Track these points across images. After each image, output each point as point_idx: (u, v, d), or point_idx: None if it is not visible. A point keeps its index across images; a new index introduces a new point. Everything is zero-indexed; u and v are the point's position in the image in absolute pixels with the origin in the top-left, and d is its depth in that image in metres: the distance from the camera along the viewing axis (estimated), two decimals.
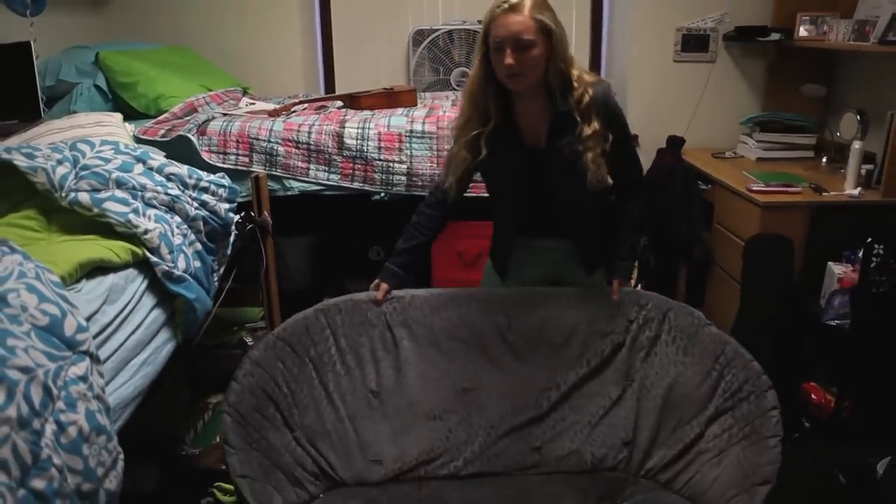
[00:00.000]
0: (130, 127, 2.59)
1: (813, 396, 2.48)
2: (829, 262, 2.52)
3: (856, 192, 2.61)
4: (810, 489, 2.15)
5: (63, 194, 1.65)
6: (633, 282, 1.97)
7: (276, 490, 1.63)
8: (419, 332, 1.91)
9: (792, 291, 2.60)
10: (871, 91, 3.07)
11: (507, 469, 1.84)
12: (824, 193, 2.64)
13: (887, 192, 2.54)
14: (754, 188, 2.71)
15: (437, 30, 3.61)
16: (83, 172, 1.72)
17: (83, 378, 1.23)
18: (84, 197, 1.66)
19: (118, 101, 2.92)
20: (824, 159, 3.12)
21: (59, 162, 1.71)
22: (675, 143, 3.34)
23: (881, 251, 2.20)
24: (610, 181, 1.78)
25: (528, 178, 1.87)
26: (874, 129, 2.76)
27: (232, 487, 2.01)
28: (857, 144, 2.65)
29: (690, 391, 1.78)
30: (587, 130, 1.75)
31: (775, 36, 3.30)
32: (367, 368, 1.88)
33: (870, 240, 2.19)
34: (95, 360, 1.31)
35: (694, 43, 3.53)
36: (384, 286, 1.94)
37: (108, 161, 1.80)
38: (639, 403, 1.84)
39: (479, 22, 3.57)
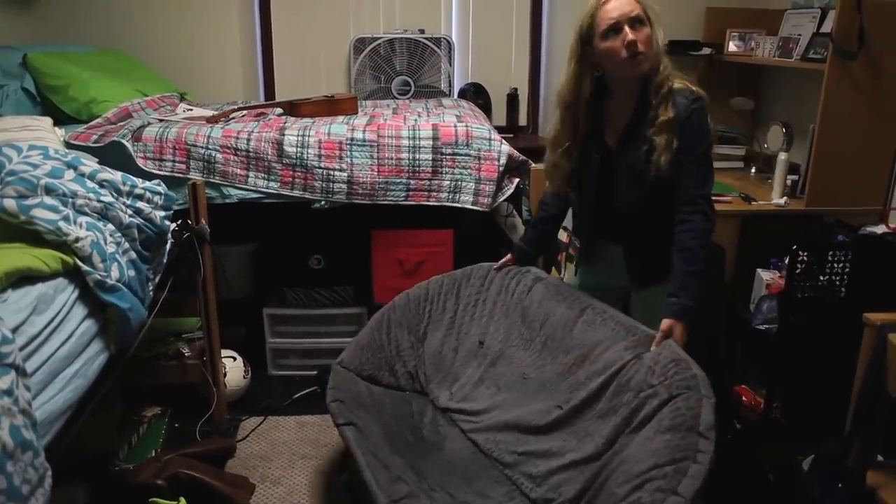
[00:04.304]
0: (61, 132, 2.51)
1: (744, 398, 2.56)
2: (758, 269, 2.61)
3: (782, 201, 2.72)
4: (741, 487, 2.23)
5: None
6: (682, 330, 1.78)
7: (364, 360, 2.18)
8: (528, 314, 2.14)
9: (724, 297, 2.69)
10: (795, 105, 3.21)
11: (489, 452, 1.94)
12: (753, 203, 2.75)
13: (811, 201, 2.66)
14: None
15: (378, 38, 3.62)
16: (9, 178, 1.66)
17: (7, 392, 1.18)
18: (10, 203, 1.60)
19: (47, 104, 2.82)
20: (753, 170, 3.25)
21: None
22: None
23: (805, 258, 2.29)
24: (669, 170, 1.76)
25: (600, 178, 1.92)
26: (798, 141, 2.88)
27: (167, 503, 1.96)
28: (782, 156, 2.77)
29: (616, 485, 1.58)
30: (662, 116, 1.73)
31: (706, 50, 3.42)
32: (489, 323, 2.22)
33: (795, 247, 2.28)
34: (21, 372, 1.26)
35: None
36: (509, 257, 2.26)
37: (36, 166, 1.74)
38: (600, 471, 1.68)
39: (421, 31, 3.64)
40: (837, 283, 2.32)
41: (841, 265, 2.30)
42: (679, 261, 1.78)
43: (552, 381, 1.96)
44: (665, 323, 1.76)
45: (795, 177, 2.82)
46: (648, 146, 1.77)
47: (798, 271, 2.30)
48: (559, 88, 1.89)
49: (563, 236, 3.03)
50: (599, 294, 2.07)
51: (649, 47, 1.72)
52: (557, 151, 1.92)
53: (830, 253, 2.30)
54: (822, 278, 2.32)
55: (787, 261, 2.35)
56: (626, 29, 1.69)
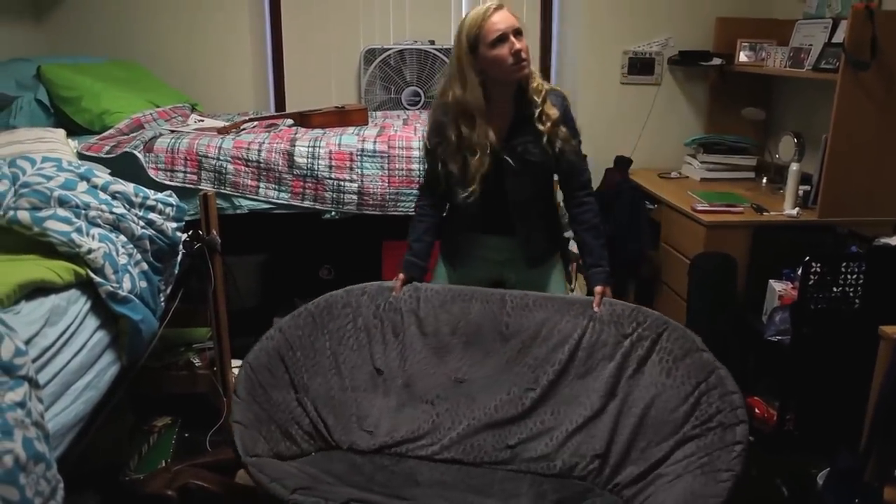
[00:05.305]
0: (74, 143, 2.53)
1: (756, 410, 2.54)
2: (770, 280, 2.60)
3: (794, 212, 2.70)
4: (755, 502, 2.20)
5: (1, 213, 1.60)
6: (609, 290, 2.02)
7: (264, 439, 1.79)
8: (427, 323, 2.07)
9: (735, 308, 2.67)
10: (807, 115, 3.20)
11: (478, 460, 1.90)
12: (765, 213, 2.73)
13: (823, 212, 2.64)
14: (699, 208, 2.78)
15: (388, 49, 3.63)
16: (23, 190, 1.67)
17: (21, 404, 1.19)
18: (24, 215, 1.61)
19: (60, 116, 2.84)
20: (764, 180, 3.23)
21: None
22: (623, 163, 3.42)
23: (818, 269, 2.28)
24: (583, 153, 2.03)
25: (489, 175, 1.99)
26: (810, 152, 2.87)
27: None
28: (794, 166, 2.75)
29: (667, 414, 1.76)
30: (551, 113, 1.94)
31: (717, 61, 3.42)
32: (375, 348, 2.06)
33: (808, 258, 2.27)
34: (34, 384, 1.26)
35: (640, 66, 3.63)
36: (402, 277, 2.12)
37: (50, 178, 1.75)
38: (617, 419, 1.83)
39: (431, 42, 3.65)
40: (851, 294, 2.30)
41: (855, 276, 2.29)
42: (590, 237, 2.07)
43: (502, 370, 1.98)
44: (598, 289, 2.00)
45: (807, 187, 2.80)
46: (534, 139, 1.96)
47: (811, 282, 2.29)
48: (467, 100, 1.93)
49: (573, 247, 3.02)
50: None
51: (529, 55, 1.91)
52: (485, 153, 1.97)
53: (844, 264, 2.29)
54: (835, 290, 2.30)
55: (799, 272, 2.33)
56: (512, 39, 1.86)
